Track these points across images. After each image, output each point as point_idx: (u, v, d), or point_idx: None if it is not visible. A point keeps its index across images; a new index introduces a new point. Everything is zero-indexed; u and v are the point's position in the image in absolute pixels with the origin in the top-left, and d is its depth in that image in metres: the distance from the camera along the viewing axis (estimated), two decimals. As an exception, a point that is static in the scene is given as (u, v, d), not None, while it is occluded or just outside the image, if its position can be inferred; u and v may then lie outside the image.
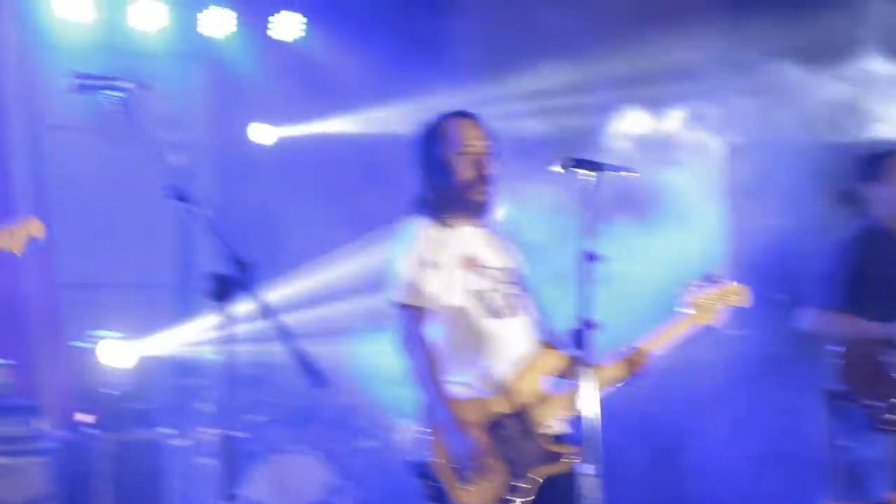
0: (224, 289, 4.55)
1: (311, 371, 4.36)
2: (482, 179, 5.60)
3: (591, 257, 5.19)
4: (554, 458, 5.48)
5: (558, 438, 5.54)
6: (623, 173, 5.42)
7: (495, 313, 5.57)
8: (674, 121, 10.04)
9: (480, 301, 5.56)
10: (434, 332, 5.55)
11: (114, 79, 4.96)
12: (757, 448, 9.91)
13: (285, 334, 4.51)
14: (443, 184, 5.63)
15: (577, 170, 5.32)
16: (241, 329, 4.87)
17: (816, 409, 7.90)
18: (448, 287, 5.53)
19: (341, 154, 10.99)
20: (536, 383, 5.54)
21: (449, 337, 5.55)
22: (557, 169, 5.34)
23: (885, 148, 7.70)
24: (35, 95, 10.09)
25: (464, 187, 5.60)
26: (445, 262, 5.54)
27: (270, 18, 11.21)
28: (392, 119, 10.45)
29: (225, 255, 4.60)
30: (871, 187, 7.37)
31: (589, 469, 5.09)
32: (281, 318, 4.62)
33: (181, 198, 4.78)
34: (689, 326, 5.83)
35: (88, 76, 4.92)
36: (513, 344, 5.58)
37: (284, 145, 11.23)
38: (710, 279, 5.89)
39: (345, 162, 11.00)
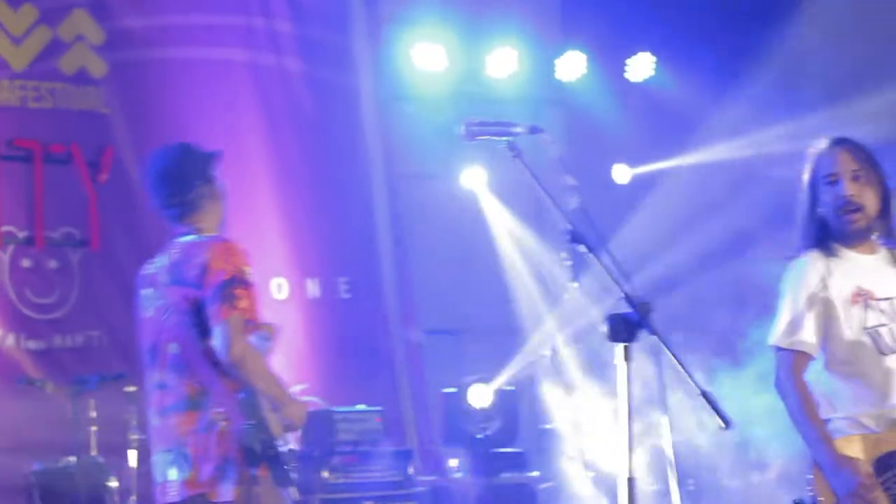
0: (626, 329, 4.48)
1: (718, 411, 4.25)
2: (846, 206, 5.40)
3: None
4: None
5: None
6: None
7: (887, 349, 5.36)
8: None
9: (871, 337, 5.36)
10: (817, 370, 5.42)
11: (505, 124, 4.97)
12: None
13: (689, 374, 4.41)
14: (815, 214, 5.47)
15: None
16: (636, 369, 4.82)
17: None
18: (836, 325, 5.37)
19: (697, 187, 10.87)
20: None
21: (838, 374, 5.39)
22: None
23: None
24: (393, 146, 10.34)
25: (832, 216, 5.43)
26: (834, 297, 5.38)
27: (627, 61, 11.21)
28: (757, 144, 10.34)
29: (624, 296, 4.53)
30: None
31: None
32: (682, 359, 4.53)
33: (578, 240, 4.74)
34: None
35: (480, 122, 4.94)
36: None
37: (639, 183, 11.20)
38: None
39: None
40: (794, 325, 5.37)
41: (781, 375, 5.39)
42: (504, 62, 10.72)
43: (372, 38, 10.22)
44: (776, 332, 5.42)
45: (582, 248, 4.76)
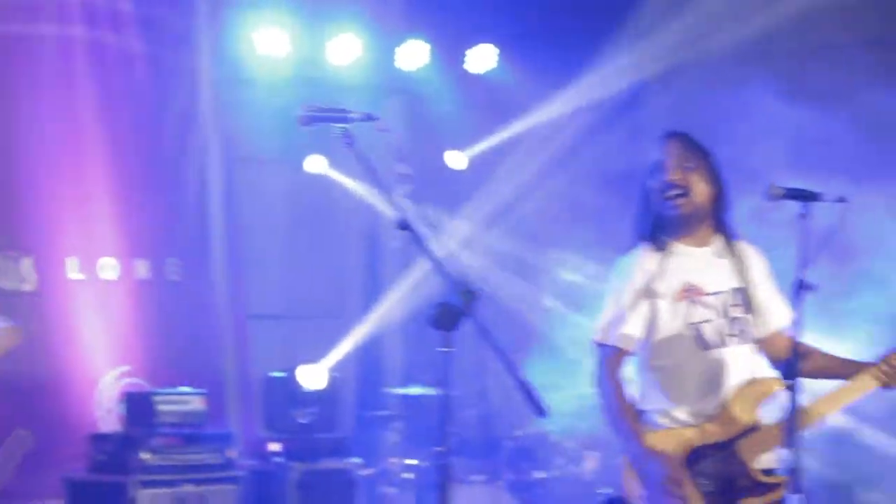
0: (450, 317, 4.53)
1: (534, 400, 4.31)
2: (669, 189, 5.47)
3: (803, 286, 5.05)
4: (761, 490, 5.34)
5: (768, 471, 5.38)
6: (835, 203, 5.21)
7: (711, 345, 5.46)
8: None
9: (694, 333, 5.45)
10: (638, 364, 5.52)
11: (341, 110, 4.98)
12: None
13: (508, 363, 4.47)
14: (649, 205, 5.56)
15: (789, 199, 5.23)
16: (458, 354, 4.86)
17: None
18: (660, 320, 5.46)
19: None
20: (751, 414, 5.40)
21: (658, 368, 5.48)
22: (771, 197, 5.25)
23: None
24: (230, 129, 10.28)
25: (658, 203, 5.52)
26: (662, 292, 5.47)
27: (467, 52, 11.26)
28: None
29: (450, 284, 4.57)
30: None
31: (794, 500, 4.93)
32: (502, 347, 4.58)
33: (406, 227, 4.77)
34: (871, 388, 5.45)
35: (316, 108, 4.95)
36: (727, 376, 5.44)
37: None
38: None
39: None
40: (616, 321, 5.45)
41: (598, 370, 5.47)
42: (346, 49, 10.67)
43: (213, 21, 10.09)
44: (598, 328, 5.51)
45: (410, 236, 4.79)
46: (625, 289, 5.48)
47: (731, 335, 5.46)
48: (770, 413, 5.42)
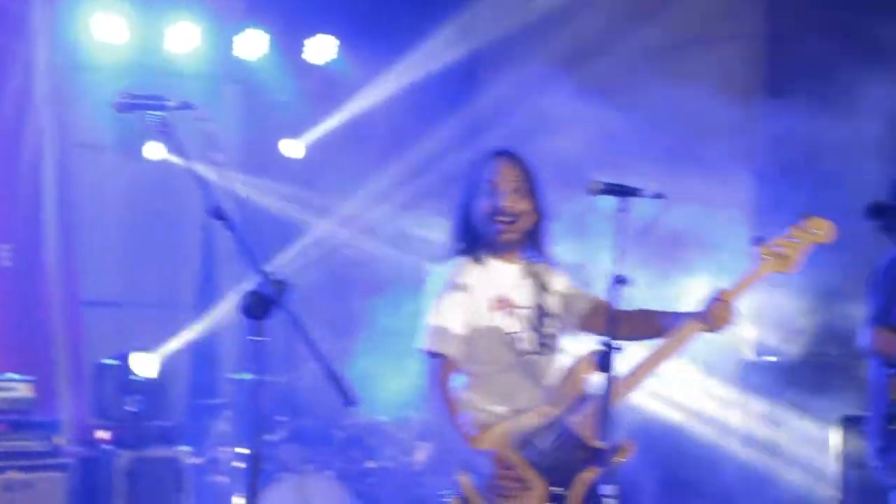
0: (261, 306, 4.57)
1: (343, 389, 4.37)
2: (501, 215, 5.56)
3: (619, 281, 5.15)
4: (601, 459, 5.32)
5: (594, 449, 5.44)
6: (653, 198, 5.24)
7: (525, 352, 5.58)
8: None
9: (510, 342, 5.57)
10: (462, 373, 5.58)
11: (157, 98, 4.99)
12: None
13: (317, 353, 4.53)
14: (471, 221, 5.64)
15: (608, 194, 5.34)
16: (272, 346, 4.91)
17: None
18: (479, 327, 5.54)
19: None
20: (578, 386, 5.47)
21: (479, 374, 5.56)
22: (590, 192, 5.35)
23: None
24: (67, 115, 10.19)
25: (484, 223, 5.60)
26: (479, 302, 5.56)
27: (306, 42, 11.29)
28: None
29: (261, 273, 4.62)
30: None
31: (608, 490, 5.05)
32: (313, 337, 4.65)
33: (220, 216, 4.80)
34: (766, 275, 5.54)
35: (131, 95, 4.95)
36: (543, 378, 5.58)
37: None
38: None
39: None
40: (439, 329, 5.51)
41: (427, 379, 5.53)
42: (184, 36, 10.63)
43: (49, 6, 10.00)
44: (423, 336, 5.55)
45: (224, 224, 4.81)
46: (445, 298, 5.54)
47: (542, 344, 5.60)
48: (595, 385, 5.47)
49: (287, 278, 4.79)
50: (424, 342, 5.54)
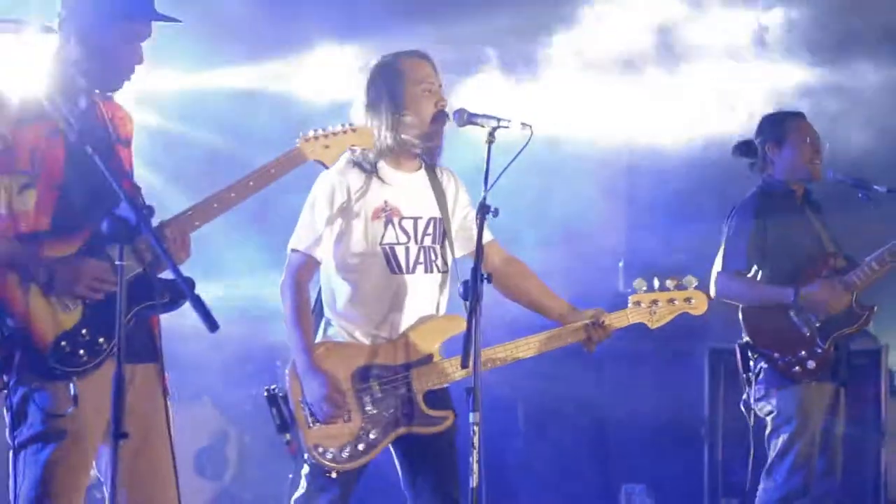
0: (124, 230, 4.56)
1: (206, 315, 4.38)
2: (441, 118, 5.61)
3: (485, 209, 5.22)
4: (425, 421, 5.54)
5: (436, 402, 5.59)
6: (510, 126, 5.36)
7: (399, 269, 5.60)
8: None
9: (385, 254, 5.59)
10: (328, 274, 5.64)
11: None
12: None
13: (180, 278, 4.55)
14: (399, 123, 5.61)
15: (473, 124, 5.40)
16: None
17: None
18: (352, 235, 5.58)
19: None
20: (430, 344, 5.58)
21: (345, 282, 5.61)
22: (459, 122, 5.43)
23: (788, 111, 7.85)
24: None
25: (424, 126, 5.60)
26: (358, 209, 5.57)
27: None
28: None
29: (125, 198, 4.61)
30: (773, 148, 7.47)
31: (473, 417, 5.07)
32: (175, 264, 4.64)
33: (85, 141, 4.77)
34: (631, 321, 5.72)
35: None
36: (415, 301, 5.62)
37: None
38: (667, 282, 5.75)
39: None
40: (311, 231, 5.55)
41: (286, 277, 5.57)
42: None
43: None
44: (294, 237, 5.60)
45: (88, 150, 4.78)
46: (325, 201, 5.55)
47: (419, 262, 5.61)
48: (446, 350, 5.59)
49: (150, 205, 4.80)
50: (292, 242, 5.58)
